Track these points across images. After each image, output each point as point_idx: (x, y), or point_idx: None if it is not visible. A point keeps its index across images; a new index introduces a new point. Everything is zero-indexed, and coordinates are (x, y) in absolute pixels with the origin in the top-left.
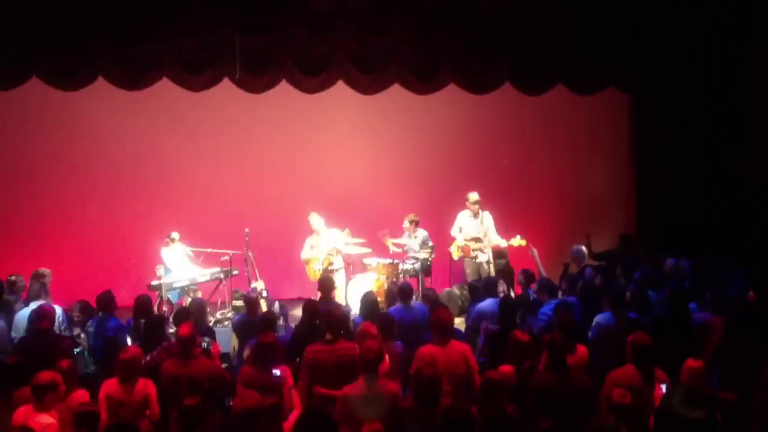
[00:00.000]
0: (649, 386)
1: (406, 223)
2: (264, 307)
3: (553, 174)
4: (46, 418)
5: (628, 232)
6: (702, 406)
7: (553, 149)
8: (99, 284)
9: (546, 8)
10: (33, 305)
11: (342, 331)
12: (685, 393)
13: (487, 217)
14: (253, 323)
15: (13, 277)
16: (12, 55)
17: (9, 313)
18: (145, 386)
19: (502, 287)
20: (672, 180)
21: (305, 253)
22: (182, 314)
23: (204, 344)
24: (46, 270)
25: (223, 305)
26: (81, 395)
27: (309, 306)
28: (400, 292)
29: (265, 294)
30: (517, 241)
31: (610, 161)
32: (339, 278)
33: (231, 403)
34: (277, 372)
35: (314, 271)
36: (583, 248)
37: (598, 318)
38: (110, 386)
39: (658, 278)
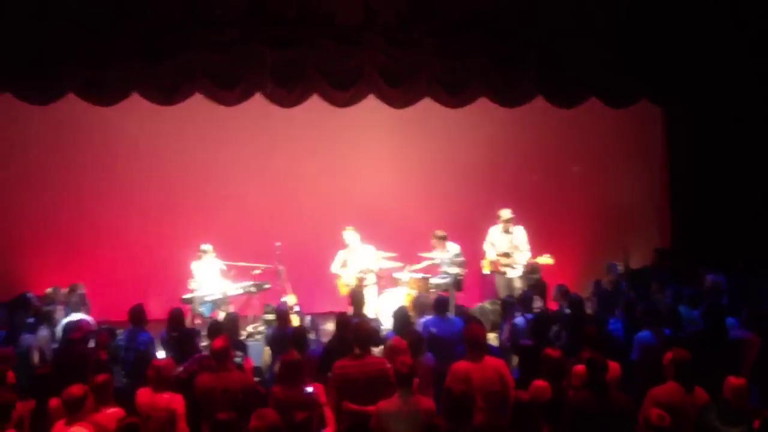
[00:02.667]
0: (691, 403)
1: (433, 240)
2: (296, 321)
3: (586, 188)
4: (80, 430)
5: (663, 247)
6: (740, 421)
7: (586, 163)
8: (132, 297)
9: (577, 21)
10: (73, 316)
11: (371, 346)
12: (722, 408)
13: (519, 232)
14: (285, 336)
15: (50, 290)
16: (48, 71)
17: (51, 323)
18: (171, 401)
19: (537, 302)
20: (707, 193)
21: (336, 268)
22: (215, 328)
23: (237, 359)
24: (79, 284)
25: (255, 319)
26: (116, 412)
27: (342, 320)
28: (435, 304)
29: (297, 309)
30: (545, 259)
31: (645, 175)
32: (370, 293)
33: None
34: (309, 389)
35: (344, 286)
36: (618, 265)
37: (638, 336)
38: (142, 396)
39: (694, 294)
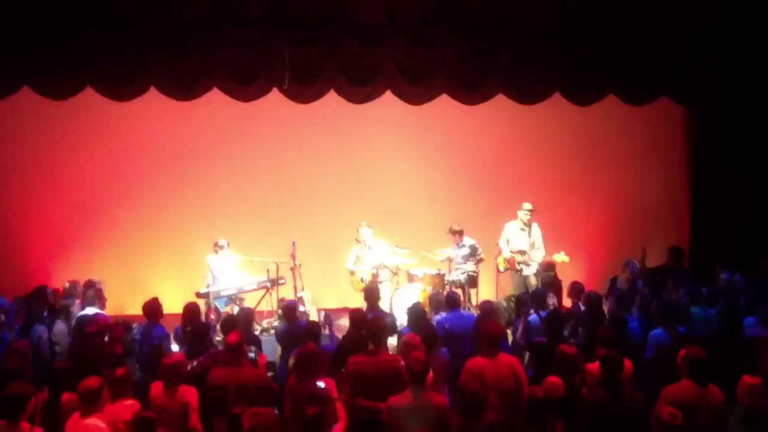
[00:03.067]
0: (705, 402)
1: (449, 234)
2: (313, 316)
3: (605, 186)
4: (96, 422)
5: (678, 246)
6: (762, 426)
7: (605, 161)
8: (148, 292)
9: (596, 17)
10: (89, 310)
11: (385, 342)
12: (744, 413)
13: (535, 229)
14: (293, 331)
15: (68, 285)
16: (67, 65)
17: (68, 317)
18: (185, 394)
19: (552, 300)
20: (728, 193)
21: (350, 264)
22: (229, 322)
23: (251, 354)
24: (98, 279)
25: (270, 314)
26: (133, 404)
27: (356, 316)
28: (447, 300)
29: (308, 306)
30: (561, 257)
31: (665, 174)
32: (384, 289)
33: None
34: (321, 384)
35: (358, 282)
36: (636, 262)
37: (652, 335)
38: (156, 390)
39: (711, 293)
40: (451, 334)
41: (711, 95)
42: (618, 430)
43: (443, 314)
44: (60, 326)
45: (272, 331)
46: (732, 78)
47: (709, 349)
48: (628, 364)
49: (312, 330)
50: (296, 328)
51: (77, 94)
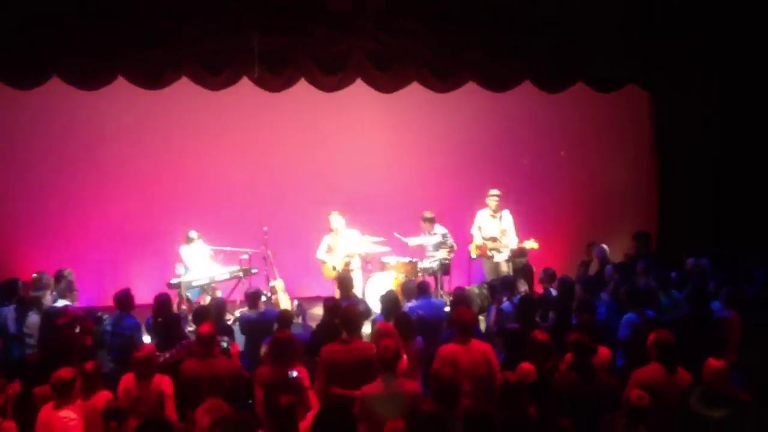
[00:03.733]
0: (673, 384)
1: (421, 222)
2: (285, 303)
3: (573, 172)
4: (69, 413)
5: (643, 231)
6: (723, 405)
7: (573, 147)
8: (120, 282)
9: (564, 5)
10: (61, 303)
11: (359, 330)
12: (704, 392)
13: (506, 216)
14: (256, 319)
15: (36, 275)
16: (33, 55)
17: (41, 309)
18: (160, 383)
19: (523, 286)
20: (693, 179)
21: (321, 254)
22: (201, 313)
23: (224, 344)
24: (68, 270)
25: (243, 304)
26: (105, 395)
27: (330, 305)
28: (417, 287)
29: (281, 295)
30: (530, 243)
31: (632, 160)
32: (356, 278)
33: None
34: (294, 373)
35: (330, 271)
36: (605, 247)
37: (627, 317)
38: (127, 382)
39: (679, 277)
40: (422, 322)
41: (677, 81)
42: (589, 413)
43: (414, 302)
44: (33, 318)
45: None
46: (698, 63)
47: (678, 333)
48: (605, 351)
49: (284, 319)
50: (261, 315)
51: (43, 83)
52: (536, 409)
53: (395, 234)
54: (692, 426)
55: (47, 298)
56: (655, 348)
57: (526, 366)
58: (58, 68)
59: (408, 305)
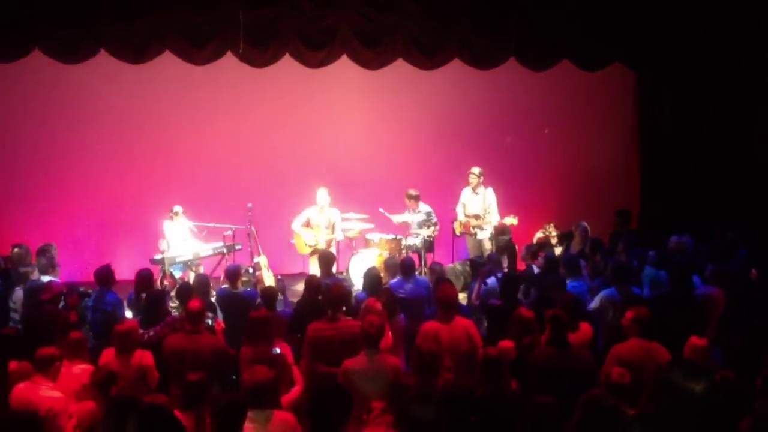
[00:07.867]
0: (652, 361)
1: (406, 199)
2: (269, 282)
3: (556, 151)
4: (52, 392)
5: (624, 209)
6: (702, 378)
7: (557, 126)
8: (101, 258)
9: None
10: (45, 279)
11: (344, 308)
12: (684, 366)
13: (489, 194)
14: (235, 295)
15: (18, 249)
16: (14, 27)
17: (26, 283)
18: (141, 358)
19: (505, 263)
20: (676, 159)
21: (296, 226)
22: (185, 290)
23: (208, 320)
24: (51, 244)
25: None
26: (88, 368)
27: (311, 282)
28: (401, 266)
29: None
30: (510, 219)
31: (615, 139)
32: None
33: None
34: (276, 350)
35: (303, 246)
36: (585, 224)
37: (603, 292)
38: (108, 357)
39: (660, 255)
40: (405, 299)
41: (662, 61)
42: (565, 386)
43: (398, 279)
44: (19, 293)
45: None
46: (683, 43)
47: (660, 310)
48: (587, 327)
49: (269, 296)
50: (235, 291)
51: (24, 56)
52: (518, 384)
53: (380, 210)
54: (673, 399)
55: (35, 274)
56: (634, 324)
57: (506, 344)
58: (39, 41)
59: (390, 283)
